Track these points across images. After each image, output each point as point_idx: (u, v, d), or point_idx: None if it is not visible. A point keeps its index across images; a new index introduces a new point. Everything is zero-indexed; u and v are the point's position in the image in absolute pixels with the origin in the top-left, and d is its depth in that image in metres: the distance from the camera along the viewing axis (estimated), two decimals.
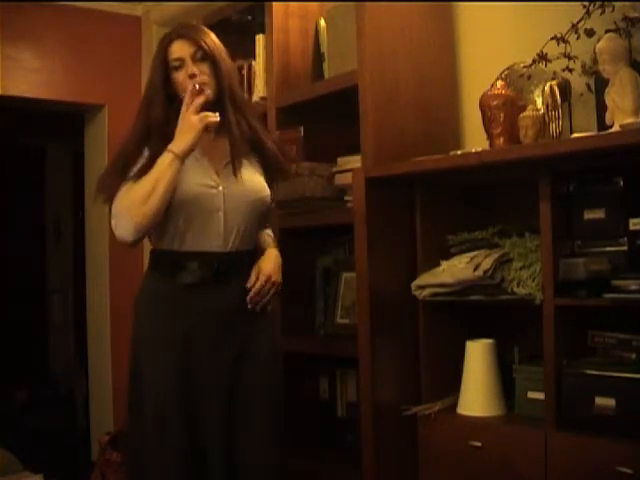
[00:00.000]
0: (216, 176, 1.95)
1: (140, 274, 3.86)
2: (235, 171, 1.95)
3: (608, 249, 1.86)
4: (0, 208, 5.45)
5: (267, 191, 2.03)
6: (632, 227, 1.82)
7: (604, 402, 1.81)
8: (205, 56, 1.94)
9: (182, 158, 1.85)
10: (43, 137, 5.72)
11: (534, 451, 1.92)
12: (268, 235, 2.17)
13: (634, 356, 1.88)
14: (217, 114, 1.88)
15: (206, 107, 1.88)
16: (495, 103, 2.11)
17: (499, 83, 2.18)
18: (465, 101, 2.57)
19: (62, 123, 4.65)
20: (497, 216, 2.29)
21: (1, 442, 3.13)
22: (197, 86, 1.87)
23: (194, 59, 1.93)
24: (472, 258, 2.13)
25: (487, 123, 2.14)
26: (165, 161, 1.85)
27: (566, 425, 1.88)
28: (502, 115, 2.10)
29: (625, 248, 1.84)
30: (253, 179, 2.00)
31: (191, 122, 1.84)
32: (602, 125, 1.95)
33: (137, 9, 3.99)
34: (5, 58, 3.51)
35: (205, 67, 1.94)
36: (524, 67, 2.23)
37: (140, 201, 1.84)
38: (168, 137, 1.88)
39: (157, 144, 1.89)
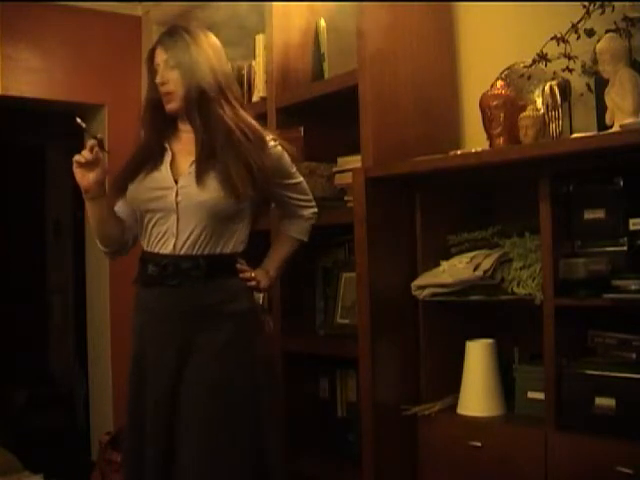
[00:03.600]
0: (172, 177, 1.97)
1: None
2: (195, 169, 1.95)
3: (608, 249, 1.86)
4: (0, 208, 5.45)
5: (222, 192, 1.94)
6: (632, 227, 1.82)
7: (604, 402, 1.81)
8: (177, 64, 1.97)
9: (88, 198, 1.98)
10: (43, 137, 5.71)
11: (534, 451, 1.92)
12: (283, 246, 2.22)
13: (634, 356, 1.88)
14: (91, 155, 1.91)
15: (184, 115, 2.01)
16: (495, 103, 2.11)
17: (499, 83, 2.18)
18: (465, 101, 2.57)
19: (62, 123, 4.64)
20: (497, 216, 2.29)
21: (1, 442, 3.13)
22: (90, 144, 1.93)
23: (166, 66, 1.98)
24: (472, 258, 2.13)
25: (487, 123, 2.14)
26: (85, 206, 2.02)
27: (566, 425, 1.88)
28: (502, 115, 2.10)
29: (625, 248, 1.83)
30: (217, 182, 1.93)
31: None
32: (602, 125, 1.95)
33: (137, 9, 3.99)
34: (5, 58, 3.51)
35: (174, 75, 1.97)
36: (524, 67, 2.23)
37: (92, 230, 2.09)
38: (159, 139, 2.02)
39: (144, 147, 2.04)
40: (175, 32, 2.02)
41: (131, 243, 2.15)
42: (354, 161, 2.43)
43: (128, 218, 2.09)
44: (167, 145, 2.03)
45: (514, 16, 2.43)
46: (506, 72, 2.28)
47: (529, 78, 2.22)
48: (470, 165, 2.05)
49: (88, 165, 1.92)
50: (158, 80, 1.99)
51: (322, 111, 2.67)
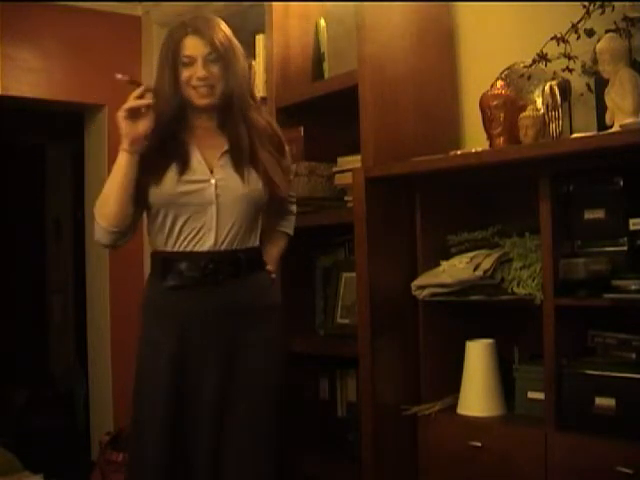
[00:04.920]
0: (208, 170, 1.90)
1: (140, 274, 3.90)
2: (233, 162, 1.90)
3: (608, 249, 1.86)
4: (0, 208, 5.45)
5: (263, 187, 1.95)
6: (632, 227, 1.82)
7: (604, 402, 1.81)
8: (218, 58, 1.89)
9: (127, 150, 1.82)
10: (43, 137, 5.71)
11: (534, 451, 1.92)
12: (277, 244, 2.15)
13: (634, 356, 1.88)
14: (149, 98, 1.84)
15: (211, 110, 1.92)
16: (495, 103, 2.11)
17: (499, 83, 2.18)
18: (465, 101, 2.57)
19: (62, 123, 4.65)
20: (497, 216, 2.29)
21: (1, 442, 3.13)
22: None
23: (206, 60, 1.88)
24: (472, 258, 2.13)
25: (487, 123, 2.14)
26: (116, 160, 1.85)
27: (566, 425, 1.88)
28: (502, 115, 2.10)
29: (625, 248, 1.83)
30: (251, 173, 1.93)
31: (116, 115, 1.84)
32: (602, 125, 1.95)
33: (137, 9, 3.99)
34: (5, 58, 3.51)
35: (216, 69, 1.89)
36: (524, 67, 2.23)
37: (100, 204, 1.87)
38: (173, 133, 1.90)
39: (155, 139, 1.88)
40: (211, 23, 1.91)
41: (130, 233, 1.98)
42: (354, 161, 2.43)
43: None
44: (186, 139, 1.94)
45: (514, 16, 2.43)
46: (506, 72, 2.28)
47: (529, 78, 2.22)
48: (470, 165, 2.05)
49: (136, 115, 1.83)
50: (199, 74, 1.87)
51: (322, 111, 2.67)
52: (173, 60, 1.89)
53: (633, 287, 1.75)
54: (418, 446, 2.22)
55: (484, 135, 2.17)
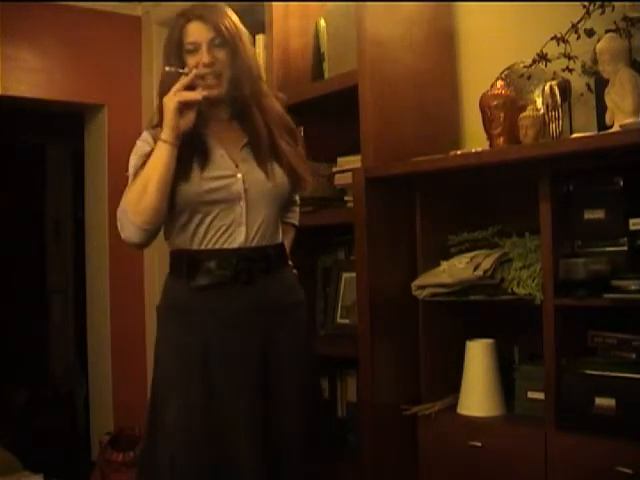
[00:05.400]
0: (234, 164, 1.80)
1: (140, 274, 3.90)
2: (254, 155, 1.81)
3: (608, 249, 1.86)
4: (0, 208, 5.45)
5: (286, 178, 1.87)
6: (632, 227, 1.82)
7: (604, 402, 1.81)
8: (224, 42, 1.78)
9: (171, 143, 1.72)
10: (43, 137, 5.71)
11: (534, 451, 1.92)
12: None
13: (634, 356, 1.88)
14: (200, 92, 1.74)
15: (219, 99, 1.81)
16: (495, 103, 2.11)
17: (499, 83, 2.18)
18: (465, 101, 2.57)
19: (62, 123, 4.65)
20: (497, 216, 2.29)
21: (1, 442, 3.13)
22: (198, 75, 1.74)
23: (211, 45, 1.77)
24: (472, 258, 2.13)
25: (487, 123, 2.14)
26: (156, 152, 1.74)
27: (566, 425, 1.88)
28: (502, 115, 2.10)
29: (625, 248, 1.84)
30: (273, 166, 1.84)
31: (165, 103, 1.73)
32: (602, 125, 1.95)
33: (137, 9, 3.99)
34: (5, 58, 3.51)
35: (222, 54, 1.78)
36: (524, 67, 2.23)
37: (136, 199, 1.73)
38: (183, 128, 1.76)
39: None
40: (214, 8, 1.82)
41: (159, 231, 1.85)
42: (354, 161, 2.43)
43: None
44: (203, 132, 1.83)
45: (514, 16, 2.43)
46: (506, 72, 2.28)
47: (529, 78, 2.22)
48: (470, 165, 2.05)
49: (188, 104, 1.73)
50: (204, 60, 1.76)
51: (322, 111, 2.67)
52: (177, 49, 1.80)
53: (633, 287, 1.75)
54: (418, 446, 2.22)
55: (484, 135, 2.17)
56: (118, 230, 1.78)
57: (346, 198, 2.51)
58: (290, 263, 1.97)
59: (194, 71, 1.75)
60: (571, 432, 1.86)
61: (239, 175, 1.79)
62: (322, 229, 2.62)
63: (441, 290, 2.16)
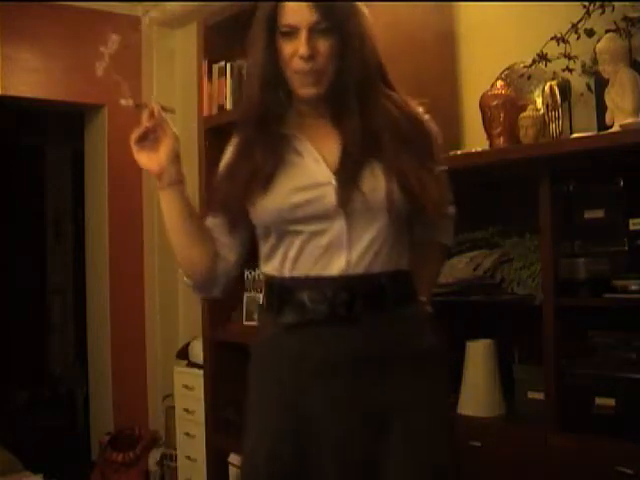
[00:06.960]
0: (329, 170, 1.38)
1: (140, 274, 3.90)
2: (357, 161, 1.38)
3: (608, 249, 1.86)
4: (0, 208, 5.45)
5: (400, 192, 1.38)
6: (632, 227, 1.82)
7: (604, 402, 1.81)
8: (331, 28, 1.34)
9: (160, 187, 1.43)
10: (43, 137, 5.72)
11: (534, 451, 1.92)
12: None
13: (634, 356, 1.88)
14: (150, 121, 1.42)
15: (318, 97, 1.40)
16: (495, 103, 2.11)
17: (499, 83, 2.18)
18: (465, 101, 2.57)
19: (62, 123, 4.66)
20: (497, 216, 2.29)
21: (1, 442, 3.13)
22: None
23: (313, 31, 1.34)
24: (472, 258, 2.13)
25: (487, 123, 2.15)
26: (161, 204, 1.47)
27: (566, 425, 1.88)
28: (502, 115, 2.10)
29: (625, 248, 1.84)
30: (381, 175, 1.38)
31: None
32: (602, 125, 1.95)
33: (137, 9, 3.98)
34: (5, 58, 3.51)
35: (327, 45, 1.35)
36: (524, 67, 2.23)
37: (175, 255, 1.49)
38: (275, 132, 1.41)
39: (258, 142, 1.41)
40: None
41: (223, 279, 1.50)
42: None
43: (220, 239, 1.48)
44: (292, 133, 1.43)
45: (514, 16, 2.43)
46: (506, 72, 2.28)
47: (529, 78, 2.22)
48: (470, 165, 2.05)
49: (150, 141, 1.41)
50: (303, 52, 1.33)
51: None
52: (269, 30, 1.39)
53: (633, 287, 1.75)
54: None
55: (484, 135, 2.18)
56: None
57: None
58: (423, 299, 1.53)
59: (154, 105, 1.43)
60: (571, 432, 1.86)
61: (333, 182, 1.37)
62: None
63: (441, 290, 2.16)
